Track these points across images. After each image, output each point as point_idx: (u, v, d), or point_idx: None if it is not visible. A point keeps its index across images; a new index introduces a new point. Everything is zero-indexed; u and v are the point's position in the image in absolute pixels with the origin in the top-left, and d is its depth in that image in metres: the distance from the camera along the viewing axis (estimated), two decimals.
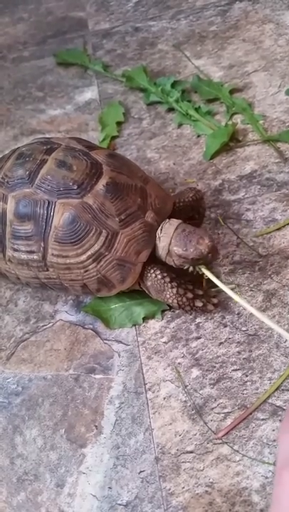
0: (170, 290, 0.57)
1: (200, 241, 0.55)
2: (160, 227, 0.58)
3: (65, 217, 0.55)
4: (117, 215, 0.56)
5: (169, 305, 0.59)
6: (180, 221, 0.58)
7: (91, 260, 0.56)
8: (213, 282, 0.56)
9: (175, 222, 0.58)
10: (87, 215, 0.55)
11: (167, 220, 0.58)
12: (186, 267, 0.57)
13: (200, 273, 0.57)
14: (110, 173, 0.57)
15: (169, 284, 0.57)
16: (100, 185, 0.56)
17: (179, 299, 0.57)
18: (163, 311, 0.61)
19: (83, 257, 0.55)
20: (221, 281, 0.61)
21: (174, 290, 0.57)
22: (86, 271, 0.56)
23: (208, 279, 0.56)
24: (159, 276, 0.57)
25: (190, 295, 0.57)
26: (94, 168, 0.57)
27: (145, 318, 0.61)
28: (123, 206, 0.56)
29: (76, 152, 0.58)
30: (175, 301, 0.57)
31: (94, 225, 0.55)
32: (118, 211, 0.56)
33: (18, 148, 0.62)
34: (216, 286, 0.56)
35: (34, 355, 0.62)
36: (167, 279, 0.57)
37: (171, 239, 0.56)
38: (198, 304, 0.57)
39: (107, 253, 0.55)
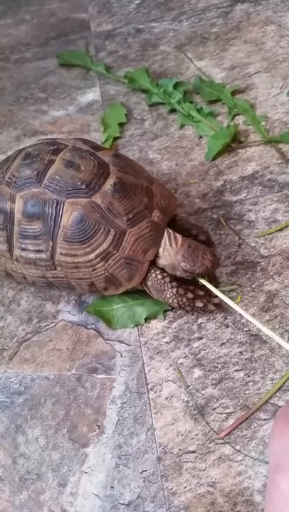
0: (170, 290, 0.57)
1: (204, 256, 0.56)
2: (163, 237, 0.58)
3: (74, 217, 0.55)
4: (124, 214, 0.56)
5: (170, 305, 0.59)
6: (181, 236, 0.59)
7: (99, 259, 0.56)
8: (213, 284, 0.58)
9: (179, 237, 0.58)
10: (95, 214, 0.55)
11: (170, 231, 0.59)
12: (184, 278, 0.58)
13: (199, 284, 0.58)
14: (117, 173, 0.57)
15: (169, 284, 0.57)
16: (108, 184, 0.56)
17: (179, 299, 0.57)
18: (165, 312, 0.61)
19: (91, 256, 0.56)
20: (223, 281, 0.62)
21: (174, 290, 0.57)
22: (94, 269, 0.56)
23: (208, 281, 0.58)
24: (159, 277, 0.57)
25: (190, 295, 0.57)
26: (101, 168, 0.57)
27: (147, 319, 0.61)
28: (130, 205, 0.56)
29: (83, 152, 0.58)
30: (175, 301, 0.57)
31: (102, 224, 0.55)
32: (126, 210, 0.56)
33: (24, 148, 0.62)
34: (217, 287, 0.57)
35: (36, 355, 0.62)
36: (167, 279, 0.57)
37: (177, 255, 0.57)
38: (199, 304, 0.57)
39: (115, 252, 0.56)
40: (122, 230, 0.56)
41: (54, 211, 0.56)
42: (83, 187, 0.56)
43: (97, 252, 0.55)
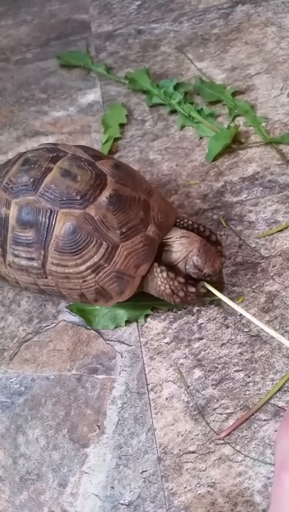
0: (160, 275, 0.57)
1: (216, 260, 0.57)
2: (178, 235, 0.58)
3: (67, 227, 0.55)
4: (118, 228, 0.56)
5: (163, 295, 0.58)
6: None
7: (90, 271, 0.56)
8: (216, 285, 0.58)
9: (194, 235, 0.59)
10: (88, 226, 0.55)
11: (184, 231, 0.59)
12: (191, 275, 0.58)
13: (203, 288, 0.58)
14: (114, 184, 0.57)
15: (158, 269, 0.57)
16: (103, 196, 0.56)
17: (171, 282, 0.56)
18: (146, 316, 0.61)
19: (82, 268, 0.56)
20: (223, 282, 0.62)
21: (164, 274, 0.56)
22: (84, 281, 0.56)
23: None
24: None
25: (181, 279, 0.57)
26: (98, 179, 0.57)
27: (127, 322, 0.61)
28: (125, 219, 0.56)
29: (82, 162, 0.58)
30: (167, 286, 0.56)
31: (95, 236, 0.55)
32: (120, 224, 0.56)
33: (25, 153, 0.62)
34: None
35: (37, 356, 0.62)
36: (156, 264, 0.57)
37: (193, 248, 0.57)
38: (192, 289, 0.57)
39: (106, 265, 0.55)
40: (115, 244, 0.56)
41: (47, 220, 0.55)
42: (78, 198, 0.55)
43: (88, 264, 0.55)
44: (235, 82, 0.84)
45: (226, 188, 0.72)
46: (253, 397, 0.53)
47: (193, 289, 0.57)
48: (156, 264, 0.57)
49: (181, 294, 0.57)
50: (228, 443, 0.51)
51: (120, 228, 0.56)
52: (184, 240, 0.58)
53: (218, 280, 0.62)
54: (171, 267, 0.58)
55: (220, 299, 0.58)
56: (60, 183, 0.56)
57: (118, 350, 0.60)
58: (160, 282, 0.57)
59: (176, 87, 0.84)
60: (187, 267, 0.57)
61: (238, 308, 0.56)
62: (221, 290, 0.61)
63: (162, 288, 0.57)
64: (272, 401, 0.53)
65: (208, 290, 0.58)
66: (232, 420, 0.52)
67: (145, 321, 0.61)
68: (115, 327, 0.62)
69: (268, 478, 0.49)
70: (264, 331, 0.57)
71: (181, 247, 0.58)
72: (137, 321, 0.62)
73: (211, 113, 0.80)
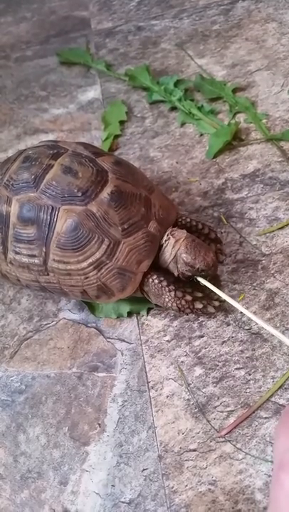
0: (168, 294, 0.57)
1: (207, 253, 0.56)
2: (167, 233, 0.58)
3: (68, 224, 0.55)
4: (120, 224, 0.55)
5: (170, 309, 0.59)
6: (186, 232, 0.59)
7: (92, 268, 0.56)
8: (214, 282, 0.58)
9: (183, 231, 0.58)
10: (90, 222, 0.55)
11: (174, 228, 0.59)
12: (185, 276, 0.58)
13: (200, 284, 0.58)
14: (116, 181, 0.57)
15: (167, 288, 0.57)
16: (105, 193, 0.56)
17: (178, 301, 0.57)
18: (149, 309, 0.61)
19: (84, 264, 0.55)
20: (224, 279, 0.62)
21: (172, 293, 0.57)
22: (86, 278, 0.56)
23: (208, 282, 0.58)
24: (156, 281, 0.57)
25: (189, 298, 0.57)
26: (99, 175, 0.57)
27: (130, 313, 0.61)
28: (127, 215, 0.56)
29: (82, 158, 0.58)
30: (174, 304, 0.57)
31: (96, 233, 0.55)
32: (121, 220, 0.56)
33: (25, 150, 0.62)
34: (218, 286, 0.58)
35: (37, 354, 0.62)
36: (164, 283, 0.57)
37: (180, 246, 0.57)
38: (198, 305, 0.57)
39: (108, 261, 0.55)
40: (117, 240, 0.55)
41: (49, 217, 0.55)
42: (79, 194, 0.55)
43: (90, 260, 0.55)
44: (235, 78, 0.84)
45: (226, 185, 0.71)
46: (253, 394, 0.53)
47: (200, 306, 0.57)
48: (164, 284, 0.57)
49: (188, 311, 0.57)
50: (229, 441, 0.51)
51: (122, 224, 0.56)
52: (171, 240, 0.58)
53: (215, 276, 0.62)
54: (164, 269, 0.59)
55: (218, 305, 0.58)
56: (61, 180, 0.56)
57: (119, 348, 0.60)
58: (168, 299, 0.57)
59: (176, 84, 0.83)
60: (179, 266, 0.57)
61: (238, 306, 0.56)
62: (221, 288, 0.61)
63: (169, 305, 0.57)
64: (273, 399, 0.53)
65: (206, 289, 0.58)
66: (233, 418, 0.52)
67: (148, 314, 0.61)
68: (117, 317, 0.62)
69: (269, 476, 0.49)
70: (265, 328, 0.57)
71: (169, 247, 0.58)
72: (139, 313, 0.61)
73: (212, 110, 0.79)
